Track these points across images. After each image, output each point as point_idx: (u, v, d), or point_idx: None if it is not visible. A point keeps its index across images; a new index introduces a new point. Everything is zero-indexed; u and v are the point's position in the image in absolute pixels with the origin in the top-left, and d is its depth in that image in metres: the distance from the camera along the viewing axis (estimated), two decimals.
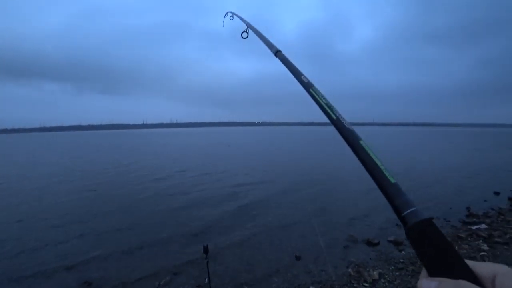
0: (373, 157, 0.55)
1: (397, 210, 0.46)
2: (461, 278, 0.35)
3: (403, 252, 5.42)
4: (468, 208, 8.20)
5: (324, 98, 0.77)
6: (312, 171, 14.98)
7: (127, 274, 4.98)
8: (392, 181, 0.50)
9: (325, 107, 0.74)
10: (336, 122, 0.67)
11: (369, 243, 5.85)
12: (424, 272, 0.40)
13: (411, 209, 0.45)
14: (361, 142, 0.59)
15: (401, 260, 5.00)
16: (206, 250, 3.46)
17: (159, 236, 6.52)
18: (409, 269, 4.64)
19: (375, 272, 4.48)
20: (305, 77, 0.89)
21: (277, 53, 1.18)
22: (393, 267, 4.76)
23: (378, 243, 5.81)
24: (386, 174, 0.51)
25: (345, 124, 0.65)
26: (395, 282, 4.25)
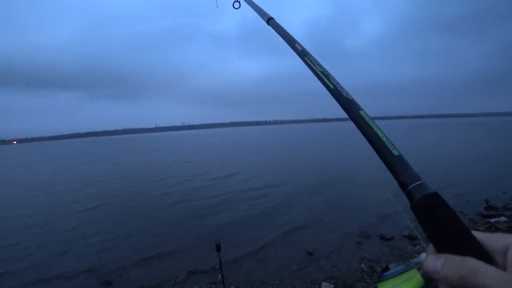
0: (375, 127, 0.52)
1: (402, 184, 0.44)
2: (469, 254, 0.33)
3: (417, 246, 5.35)
4: (486, 201, 7.95)
5: (320, 66, 0.72)
6: (323, 169, 14.90)
7: (144, 274, 5.17)
8: (396, 153, 0.47)
9: (321, 76, 0.69)
10: (334, 92, 0.64)
11: (382, 238, 5.80)
12: (431, 248, 0.38)
13: (417, 183, 0.42)
14: (361, 112, 0.56)
15: (416, 255, 4.95)
16: (218, 247, 3.56)
17: (174, 237, 6.70)
18: None
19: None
20: (300, 45, 0.84)
21: (270, 20, 1.12)
22: (407, 262, 4.70)
23: (391, 238, 5.75)
24: (389, 145, 0.49)
25: (344, 94, 0.62)
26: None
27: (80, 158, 32.65)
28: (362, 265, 4.69)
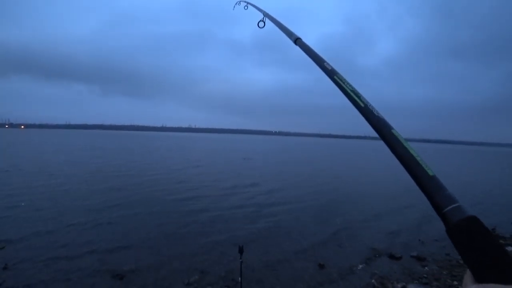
0: (408, 147, 0.51)
1: (437, 206, 0.42)
2: None
3: (426, 268, 5.47)
4: (493, 230, 8.02)
5: (350, 85, 0.71)
6: (333, 183, 15.05)
7: (157, 270, 5.31)
8: (431, 173, 0.46)
9: (352, 95, 0.68)
10: (365, 110, 0.63)
11: (391, 257, 5.92)
12: (469, 276, 0.36)
13: (454, 205, 0.40)
14: (393, 131, 0.55)
15: (425, 276, 5.07)
16: (241, 250, 3.65)
17: (188, 238, 6.86)
18: (434, 285, 4.71)
19: (399, 285, 4.60)
20: (328, 64, 0.85)
21: (297, 40, 1.13)
22: (416, 281, 4.84)
23: (400, 257, 5.88)
24: (424, 166, 0.47)
25: (375, 112, 0.61)
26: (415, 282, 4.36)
27: (93, 151, 32.99)
28: (373, 281, 4.83)
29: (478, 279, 0.34)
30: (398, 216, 8.94)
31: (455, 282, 4.78)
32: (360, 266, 5.52)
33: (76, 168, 17.94)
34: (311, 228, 7.82)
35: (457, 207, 0.40)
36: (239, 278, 3.71)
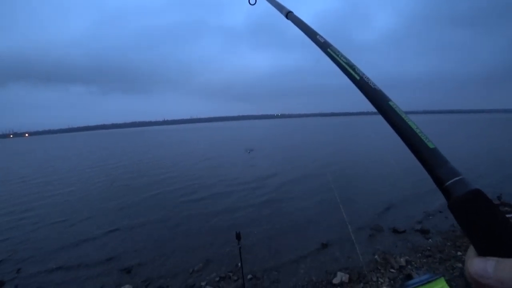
0: (406, 119, 0.48)
1: (439, 180, 0.39)
2: None
3: (430, 240, 5.45)
4: (499, 197, 7.94)
5: (344, 57, 0.68)
6: (336, 162, 14.99)
7: (162, 262, 5.39)
8: (431, 146, 0.43)
9: (346, 67, 0.65)
10: (360, 83, 0.60)
11: (395, 231, 5.91)
12: (472, 250, 0.34)
13: (457, 178, 0.38)
14: (391, 103, 0.53)
15: (428, 248, 5.06)
16: (238, 236, 3.67)
17: (189, 228, 6.94)
18: (437, 257, 4.69)
19: (402, 259, 4.59)
20: (321, 37, 0.81)
21: (288, 14, 1.08)
22: (420, 255, 4.83)
23: (404, 231, 5.86)
24: (423, 138, 0.45)
25: (371, 84, 0.58)
26: (423, 269, 4.34)
27: (100, 151, 33.27)
28: (376, 257, 4.83)
29: (481, 253, 0.33)
30: (403, 189, 8.83)
31: (459, 253, 4.75)
32: (364, 243, 5.52)
33: (79, 170, 18.10)
34: (315, 209, 7.83)
35: (459, 180, 0.37)
36: (239, 263, 3.73)
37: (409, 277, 4.03)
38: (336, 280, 4.14)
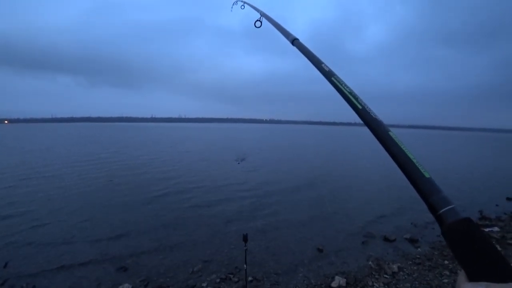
0: (405, 149, 0.52)
1: (433, 208, 0.44)
2: (508, 281, 0.33)
3: (419, 249, 5.78)
4: (480, 212, 8.45)
5: (348, 87, 0.72)
6: (328, 170, 15.40)
7: (159, 261, 5.39)
8: (427, 175, 0.47)
9: (349, 96, 0.69)
10: (362, 112, 0.64)
11: (386, 239, 6.21)
12: (463, 275, 0.37)
13: (449, 207, 0.42)
14: (391, 133, 0.56)
15: (418, 256, 5.37)
16: (245, 238, 3.74)
17: (188, 227, 6.97)
18: (426, 265, 5.00)
19: (394, 266, 4.86)
20: (326, 66, 0.85)
21: (294, 41, 1.13)
22: (410, 262, 5.13)
23: (394, 240, 6.17)
24: (420, 168, 0.48)
25: (372, 114, 0.62)
26: (414, 275, 4.63)
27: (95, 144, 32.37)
28: (370, 263, 5.09)
29: (472, 278, 0.35)
30: (391, 200, 9.30)
31: (446, 262, 5.08)
32: (357, 249, 5.78)
33: (65, 163, 17.62)
34: (308, 215, 8.03)
35: (451, 209, 0.42)
36: (244, 266, 3.81)
37: None
38: (334, 284, 4.34)
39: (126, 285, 4.65)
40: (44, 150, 24.77)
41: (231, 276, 4.84)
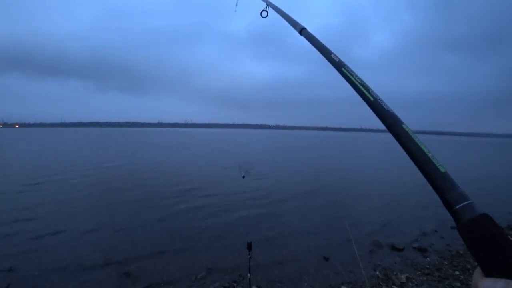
0: (419, 143, 0.50)
1: (448, 204, 0.42)
2: None
3: (428, 258, 5.60)
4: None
5: (359, 78, 0.68)
6: (335, 177, 15.22)
7: (163, 268, 5.36)
8: (442, 170, 0.45)
9: (361, 88, 0.65)
10: (374, 104, 0.60)
11: (393, 248, 6.05)
12: (479, 271, 0.37)
13: (466, 202, 0.41)
14: (404, 126, 0.54)
15: (427, 266, 5.20)
16: (249, 246, 3.68)
17: (192, 235, 6.91)
18: (436, 275, 4.84)
19: (402, 276, 4.71)
20: (336, 56, 0.81)
21: (302, 31, 1.07)
22: (419, 272, 4.97)
23: (402, 249, 6.01)
24: (435, 162, 0.46)
25: (385, 106, 0.59)
26: (423, 286, 4.48)
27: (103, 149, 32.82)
28: (377, 273, 4.95)
29: (489, 274, 0.35)
30: (399, 208, 9.10)
31: (457, 272, 4.91)
32: (364, 258, 5.63)
33: (71, 171, 17.84)
34: (315, 223, 7.91)
35: (468, 205, 0.40)
36: (248, 274, 3.75)
37: None
38: None
39: None
40: (59, 154, 25.18)
41: (235, 284, 4.77)
